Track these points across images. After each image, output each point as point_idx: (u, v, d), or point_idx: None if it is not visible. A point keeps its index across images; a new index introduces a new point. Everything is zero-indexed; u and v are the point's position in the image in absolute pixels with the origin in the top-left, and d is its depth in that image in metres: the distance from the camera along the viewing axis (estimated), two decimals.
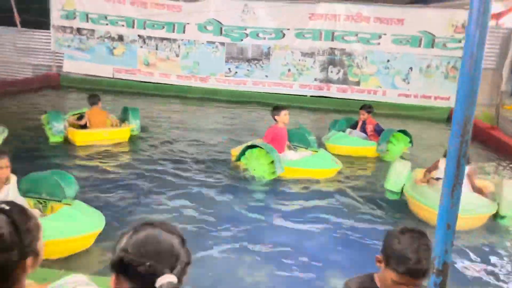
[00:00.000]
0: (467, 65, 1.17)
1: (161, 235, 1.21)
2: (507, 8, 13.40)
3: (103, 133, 7.55)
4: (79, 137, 7.37)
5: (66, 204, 4.20)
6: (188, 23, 13.14)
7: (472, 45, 1.15)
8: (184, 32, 13.23)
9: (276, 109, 6.32)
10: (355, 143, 7.62)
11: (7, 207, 1.27)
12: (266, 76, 13.11)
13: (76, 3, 13.43)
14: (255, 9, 12.74)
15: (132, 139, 7.93)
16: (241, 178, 6.20)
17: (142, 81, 13.62)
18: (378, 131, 7.66)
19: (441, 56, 12.08)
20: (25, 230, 1.27)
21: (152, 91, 13.25)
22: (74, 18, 13.53)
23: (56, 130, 7.33)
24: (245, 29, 12.91)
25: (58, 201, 4.29)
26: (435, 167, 5.43)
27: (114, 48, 13.60)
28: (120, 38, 13.53)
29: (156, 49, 13.45)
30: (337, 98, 12.75)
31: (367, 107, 7.85)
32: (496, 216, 4.99)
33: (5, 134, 6.98)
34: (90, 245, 4.08)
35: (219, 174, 6.38)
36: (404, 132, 7.61)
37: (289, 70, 12.94)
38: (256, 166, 6.12)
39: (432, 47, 12.06)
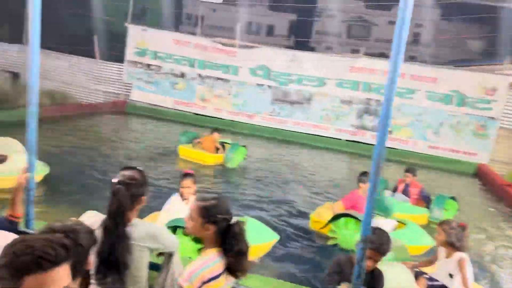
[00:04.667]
0: (383, 117, 2.44)
1: None
2: None
3: (195, 154, 9.45)
4: (180, 151, 9.69)
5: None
6: (241, 67, 14.92)
7: (388, 104, 2.42)
8: (237, 74, 15.00)
9: (365, 175, 5.78)
10: (408, 211, 6.92)
11: (140, 168, 2.55)
12: (306, 118, 14.48)
13: (149, 43, 15.66)
14: (301, 59, 14.34)
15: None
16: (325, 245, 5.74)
17: (197, 114, 15.41)
18: (424, 197, 7.32)
19: (470, 115, 12.96)
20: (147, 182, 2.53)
21: (205, 123, 14.89)
22: (145, 55, 15.73)
23: (179, 144, 9.87)
24: (291, 76, 14.48)
25: None
26: (434, 259, 4.22)
27: (176, 83, 15.60)
28: (182, 75, 15.53)
29: (212, 87, 15.29)
30: (371, 144, 13.81)
31: (412, 170, 7.51)
32: None
33: (46, 171, 6.85)
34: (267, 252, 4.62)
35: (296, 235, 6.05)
36: (453, 198, 7.32)
37: (327, 114, 14.25)
38: (346, 235, 5.50)
39: (463, 105, 12.99)
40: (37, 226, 3.09)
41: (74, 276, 1.71)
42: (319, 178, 9.86)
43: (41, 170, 6.52)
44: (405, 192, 7.36)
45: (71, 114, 13.84)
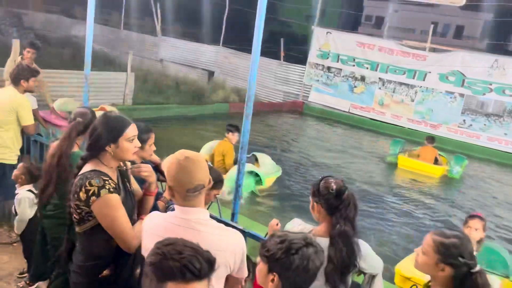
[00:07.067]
0: None
1: None
2: None
3: (420, 165, 9.53)
4: (400, 161, 9.90)
5: None
6: (429, 72, 13.70)
7: None
8: (424, 79, 13.84)
9: None
10: None
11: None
12: (505, 134, 12.49)
13: (332, 45, 15.65)
14: (506, 65, 12.39)
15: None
16: None
17: (373, 119, 14.79)
18: None
19: None
20: None
21: (381, 129, 14.20)
22: (327, 58, 15.80)
23: (391, 152, 10.11)
24: (490, 84, 12.66)
25: (506, 276, 3.90)
26: None
27: (355, 86, 15.25)
28: (362, 78, 15.10)
29: (393, 92, 14.45)
30: None
31: None
32: None
33: (279, 173, 7.30)
34: None
35: None
36: None
37: None
38: None
39: None
40: (240, 219, 3.30)
41: None
42: None
43: (276, 172, 7.18)
44: None
45: (254, 111, 14.73)
